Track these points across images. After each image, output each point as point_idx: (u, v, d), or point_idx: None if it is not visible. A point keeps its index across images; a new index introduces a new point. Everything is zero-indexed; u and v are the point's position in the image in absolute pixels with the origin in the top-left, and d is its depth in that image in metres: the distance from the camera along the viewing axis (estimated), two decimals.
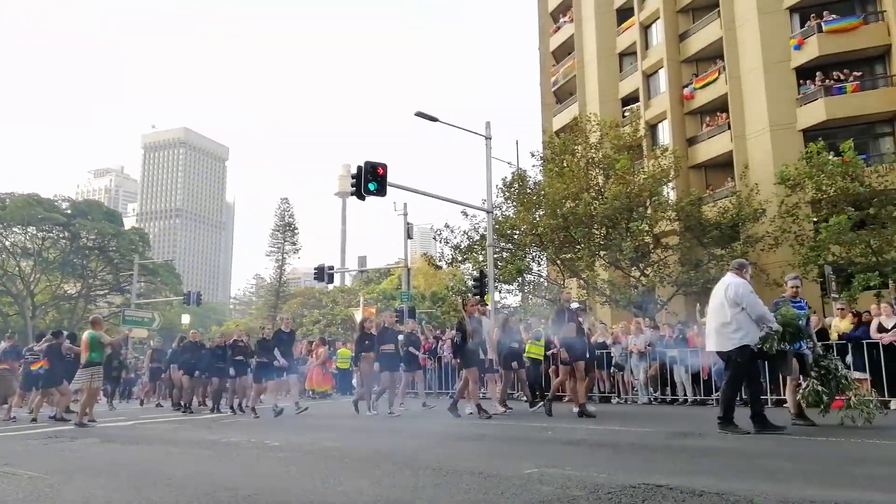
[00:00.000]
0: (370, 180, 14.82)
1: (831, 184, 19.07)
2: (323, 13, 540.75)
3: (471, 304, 10.75)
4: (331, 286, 52.17)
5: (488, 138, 19.42)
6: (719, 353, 7.08)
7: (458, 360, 10.57)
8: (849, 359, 9.79)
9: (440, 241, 25.37)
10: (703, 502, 3.41)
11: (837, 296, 16.34)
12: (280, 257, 58.56)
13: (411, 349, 12.34)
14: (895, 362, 9.80)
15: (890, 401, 9.71)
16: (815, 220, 20.18)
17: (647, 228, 22.18)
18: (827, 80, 23.52)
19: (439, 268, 29.43)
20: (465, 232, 25.06)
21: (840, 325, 11.05)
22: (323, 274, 28.61)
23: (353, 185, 15.13)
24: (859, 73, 23.54)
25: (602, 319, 19.32)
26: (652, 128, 29.13)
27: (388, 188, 15.28)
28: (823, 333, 10.63)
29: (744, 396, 7.59)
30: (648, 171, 23.24)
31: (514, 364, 11.53)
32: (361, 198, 14.93)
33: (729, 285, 6.90)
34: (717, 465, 4.89)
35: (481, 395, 10.88)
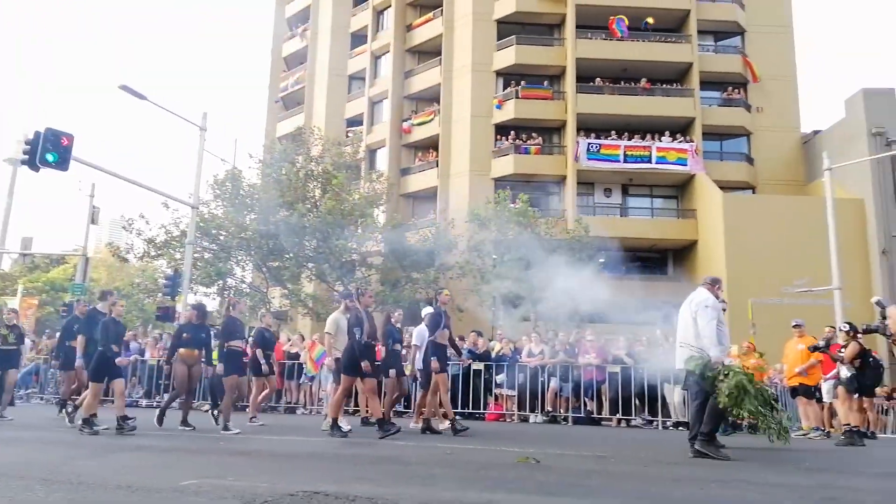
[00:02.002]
0: (50, 150, 12.71)
1: (509, 227, 22.17)
2: None
3: (367, 296, 8.54)
4: None
5: (203, 129, 18.23)
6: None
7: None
8: (501, 377, 11.43)
9: (132, 232, 22.81)
10: None
11: (502, 323, 18.89)
12: None
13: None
14: (535, 383, 11.70)
15: (530, 415, 11.51)
16: (494, 256, 23.14)
17: (354, 246, 22.99)
18: (517, 140, 27.42)
19: (126, 261, 26.43)
20: (163, 226, 22.94)
21: (501, 348, 12.81)
22: None
23: (26, 153, 12.81)
24: (541, 139, 27.97)
25: (301, 331, 19.31)
26: (372, 152, 30.52)
27: (73, 163, 13.28)
28: (487, 355, 12.23)
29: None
30: (363, 192, 24.23)
31: (392, 371, 9.53)
32: (35, 168, 12.68)
33: (692, 300, 6.59)
34: (378, 472, 5.19)
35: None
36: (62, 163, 12.94)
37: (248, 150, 40.51)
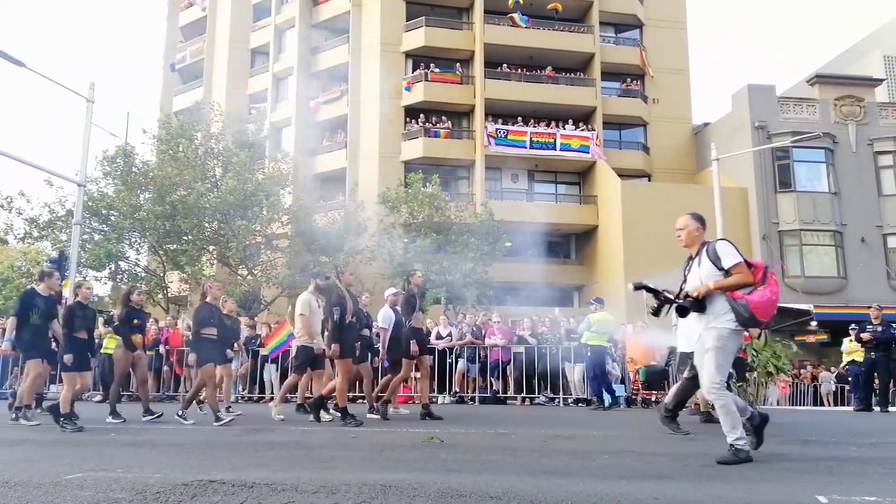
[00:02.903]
0: None
1: (420, 210, 22.21)
2: None
3: (347, 274, 8.15)
4: None
5: (91, 101, 16.91)
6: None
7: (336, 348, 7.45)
8: None
9: (10, 211, 20.99)
10: (252, 493, 3.49)
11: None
12: None
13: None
14: (444, 365, 11.84)
15: (438, 396, 11.66)
16: (405, 239, 23.13)
17: (258, 228, 22.25)
18: (427, 123, 27.41)
19: (6, 242, 24.35)
20: (46, 204, 21.26)
21: None
22: None
23: None
24: (451, 123, 28.12)
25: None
26: (277, 130, 29.56)
27: None
28: None
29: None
30: (268, 172, 23.43)
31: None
32: None
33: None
34: (276, 458, 5.09)
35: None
36: None
37: (141, 125, 38.14)
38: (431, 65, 27.93)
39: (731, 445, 4.51)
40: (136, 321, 8.66)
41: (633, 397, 12.10)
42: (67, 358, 7.45)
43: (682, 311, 4.81)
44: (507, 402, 12.24)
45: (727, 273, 4.59)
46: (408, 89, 27.60)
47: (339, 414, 7.44)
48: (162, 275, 23.18)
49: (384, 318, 9.17)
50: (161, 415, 8.37)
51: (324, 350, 8.04)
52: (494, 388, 12.40)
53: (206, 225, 21.86)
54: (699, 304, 4.66)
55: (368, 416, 8.34)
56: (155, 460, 4.99)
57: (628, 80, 30.01)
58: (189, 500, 3.36)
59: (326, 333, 7.77)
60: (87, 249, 20.43)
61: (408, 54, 28.28)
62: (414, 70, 28.14)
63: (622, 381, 12.09)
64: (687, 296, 4.74)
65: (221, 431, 7.00)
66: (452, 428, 7.04)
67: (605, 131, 28.66)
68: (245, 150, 22.66)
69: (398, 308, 8.80)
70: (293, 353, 9.15)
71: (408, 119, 27.83)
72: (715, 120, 29.66)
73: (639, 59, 29.70)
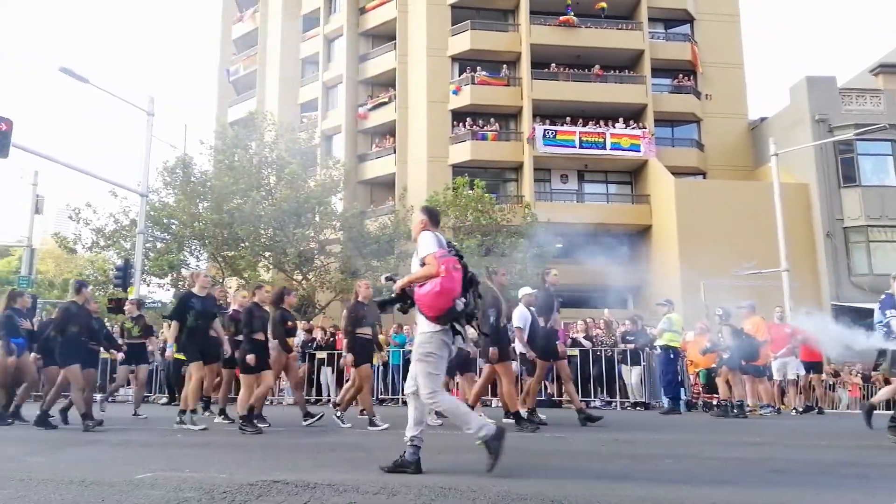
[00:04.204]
0: None
1: (466, 214, 22.29)
2: None
3: (500, 275, 7.93)
4: None
5: (151, 115, 17.69)
6: None
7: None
8: None
9: (78, 222, 22.01)
10: (315, 494, 3.55)
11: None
12: None
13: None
14: None
15: (492, 400, 11.62)
16: (454, 243, 23.14)
17: (312, 235, 22.70)
18: (474, 126, 27.44)
19: (74, 252, 25.53)
20: (112, 215, 22.22)
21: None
22: None
23: None
24: (498, 126, 28.06)
25: None
26: (328, 138, 30.11)
27: (14, 150, 12.75)
28: None
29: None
30: (319, 179, 23.90)
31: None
32: None
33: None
34: (337, 459, 5.17)
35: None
36: (0, 149, 12.41)
37: (198, 136, 39.46)
38: (478, 68, 27.95)
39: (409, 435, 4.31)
40: (289, 323, 8.34)
41: (694, 401, 11.80)
42: (250, 358, 7.36)
43: (385, 306, 4.61)
44: (563, 405, 12.11)
45: (423, 265, 4.27)
46: (455, 93, 27.68)
47: (511, 420, 7.10)
48: (221, 281, 23.88)
49: (521, 318, 8.54)
50: (322, 416, 8.13)
51: (469, 353, 7.85)
52: (549, 391, 12.28)
53: (262, 232, 22.43)
54: (403, 299, 4.39)
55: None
56: (220, 461, 5.13)
57: (680, 76, 29.32)
58: (255, 499, 3.45)
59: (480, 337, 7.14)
60: (150, 258, 21.24)
61: (454, 58, 28.37)
62: (461, 73, 28.21)
63: (681, 385, 11.82)
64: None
65: (283, 433, 7.15)
66: (508, 431, 7.00)
67: (656, 129, 28.06)
68: (297, 158, 23.18)
69: (532, 308, 8.40)
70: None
71: (455, 123, 27.90)
72: (772, 114, 28.64)
73: (690, 55, 28.98)
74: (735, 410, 9.69)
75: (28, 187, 22.98)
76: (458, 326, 4.29)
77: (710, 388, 11.74)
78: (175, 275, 22.90)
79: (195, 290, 7.96)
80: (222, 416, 8.53)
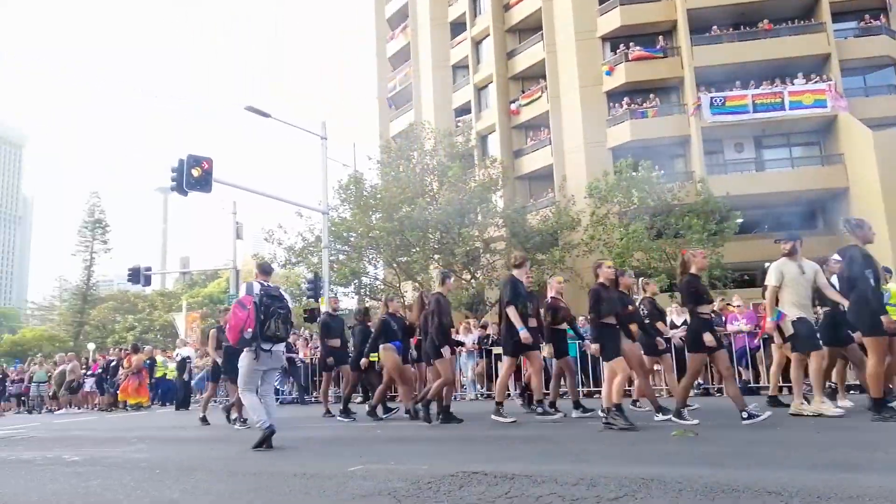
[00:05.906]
0: (194, 175, 13.96)
1: (630, 197, 21.44)
2: None
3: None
4: (148, 289, 48.16)
5: (324, 138, 19.18)
6: None
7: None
8: None
9: (273, 243, 24.54)
10: (514, 484, 3.62)
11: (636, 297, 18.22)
12: (88, 257, 52.76)
13: None
14: (682, 355, 11.18)
15: None
16: (620, 228, 22.41)
17: (477, 234, 23.21)
18: (632, 105, 26.27)
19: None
20: (299, 233, 24.49)
21: None
22: (138, 276, 25.85)
23: (173, 180, 14.15)
24: (658, 100, 26.61)
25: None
26: (483, 139, 30.57)
27: (215, 184, 14.50)
28: None
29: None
30: (479, 179, 24.38)
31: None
32: (183, 193, 14.01)
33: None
34: (531, 451, 5.23)
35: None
36: (205, 185, 14.17)
37: (366, 153, 41.94)
38: (631, 44, 26.73)
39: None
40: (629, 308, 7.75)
41: None
42: (594, 348, 6.87)
43: None
44: (760, 392, 11.17)
45: None
46: (608, 73, 26.71)
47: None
48: (398, 285, 25.28)
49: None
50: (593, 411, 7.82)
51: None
52: (744, 377, 11.40)
53: (430, 236, 23.37)
54: None
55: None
56: (420, 454, 5.43)
57: (866, 16, 25.76)
58: (458, 489, 3.59)
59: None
60: (335, 269, 23.04)
61: (604, 38, 27.40)
62: (613, 53, 27.19)
63: None
64: None
65: (473, 426, 7.38)
66: (702, 420, 6.62)
67: (844, 79, 24.90)
68: (456, 161, 23.83)
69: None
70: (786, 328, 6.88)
71: (611, 104, 26.93)
72: None
73: None
74: None
75: (229, 216, 25.98)
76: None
77: None
78: (357, 282, 24.65)
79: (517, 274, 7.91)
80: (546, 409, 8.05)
